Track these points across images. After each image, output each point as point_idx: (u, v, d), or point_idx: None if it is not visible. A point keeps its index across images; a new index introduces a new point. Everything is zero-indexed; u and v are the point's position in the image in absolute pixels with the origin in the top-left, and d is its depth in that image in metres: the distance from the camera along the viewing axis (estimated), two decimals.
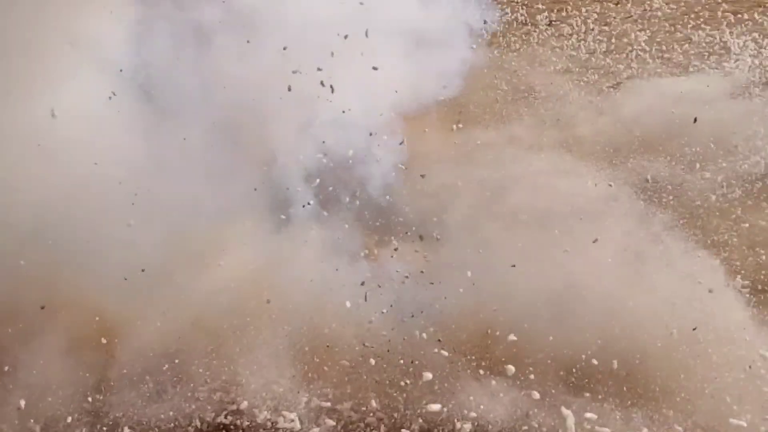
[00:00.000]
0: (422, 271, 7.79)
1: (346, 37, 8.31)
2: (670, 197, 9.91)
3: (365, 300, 7.39)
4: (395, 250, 8.12)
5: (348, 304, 7.35)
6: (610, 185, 9.54)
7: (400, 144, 9.33)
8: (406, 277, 7.69)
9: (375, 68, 8.37)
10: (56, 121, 7.42)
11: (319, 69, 7.94)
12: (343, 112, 8.30)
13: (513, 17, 15.81)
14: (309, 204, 8.43)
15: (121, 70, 8.11)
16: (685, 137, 10.84)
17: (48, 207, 7.42)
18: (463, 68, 10.86)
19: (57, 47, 7.77)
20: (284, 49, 8.08)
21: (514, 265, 7.50)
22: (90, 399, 7.05)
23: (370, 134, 8.83)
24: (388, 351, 7.22)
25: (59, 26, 7.84)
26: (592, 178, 9.79)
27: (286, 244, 8.16)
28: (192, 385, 7.19)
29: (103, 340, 7.36)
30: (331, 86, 7.95)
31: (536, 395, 6.84)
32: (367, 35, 8.43)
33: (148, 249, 7.51)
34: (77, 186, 7.48)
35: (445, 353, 7.17)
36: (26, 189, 7.45)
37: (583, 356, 7.09)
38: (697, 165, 10.52)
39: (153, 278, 7.42)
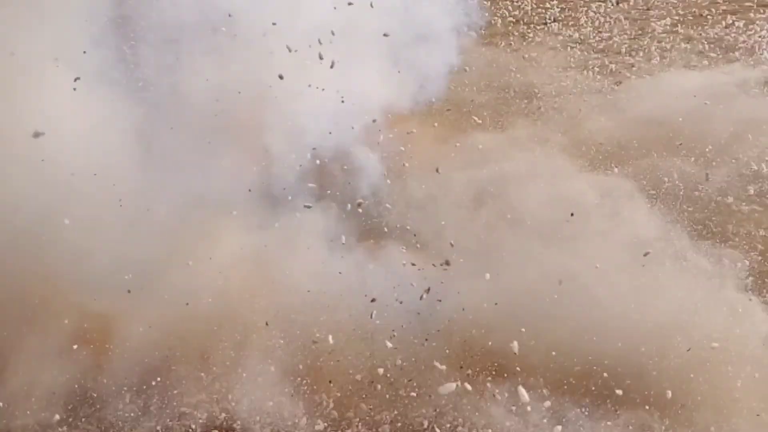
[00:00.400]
0: (442, 282, 7.26)
1: (350, 3, 8.02)
2: (685, 194, 9.48)
3: (371, 317, 6.95)
4: (413, 264, 7.58)
5: (331, 339, 6.90)
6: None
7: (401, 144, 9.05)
8: (426, 291, 7.15)
9: (386, 35, 8.19)
10: (47, 124, 7.17)
11: (319, 42, 7.54)
12: (342, 101, 7.98)
13: (515, 14, 15.44)
14: (308, 207, 7.98)
15: (84, 52, 7.72)
16: (702, 133, 10.39)
17: (34, 209, 7.17)
18: (460, 67, 10.72)
19: (42, 53, 7.56)
20: (273, 24, 7.70)
21: (560, 282, 7.03)
22: (68, 414, 6.71)
23: (374, 121, 8.56)
24: (411, 381, 6.74)
25: (41, 35, 7.67)
26: (601, 175, 9.51)
27: (284, 250, 7.70)
28: (175, 404, 6.76)
29: (75, 347, 6.99)
30: (333, 62, 7.59)
31: (558, 429, 6.42)
32: (372, 5, 8.21)
33: (136, 251, 7.23)
34: (65, 188, 7.24)
35: (469, 387, 6.67)
36: (12, 190, 7.23)
37: (605, 374, 6.69)
38: (716, 161, 10.04)
39: (141, 282, 7.12)
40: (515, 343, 6.64)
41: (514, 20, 15.20)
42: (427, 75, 9.91)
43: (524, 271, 7.33)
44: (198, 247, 7.45)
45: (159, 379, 6.84)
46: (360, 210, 8.26)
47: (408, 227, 8.41)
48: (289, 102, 8.13)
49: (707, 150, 10.12)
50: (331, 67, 7.55)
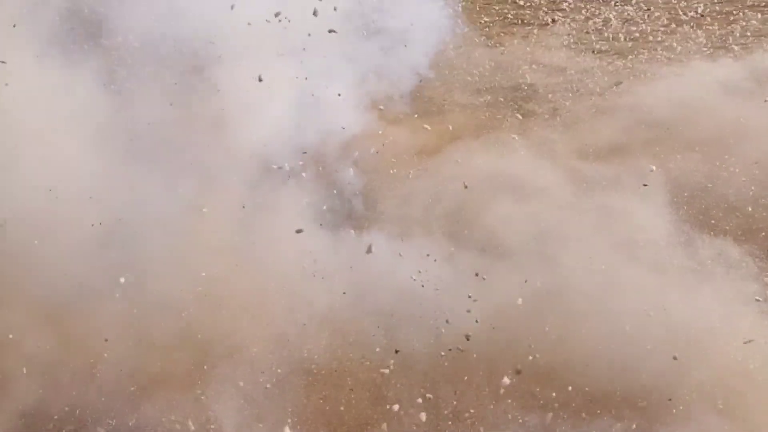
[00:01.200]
0: (470, 296, 6.80)
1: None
2: (695, 196, 9.18)
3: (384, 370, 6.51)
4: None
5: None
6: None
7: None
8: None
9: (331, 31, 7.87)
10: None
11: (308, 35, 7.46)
12: (339, 95, 7.84)
13: (512, 14, 15.25)
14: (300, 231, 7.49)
15: (14, 25, 7.42)
16: (711, 133, 10.13)
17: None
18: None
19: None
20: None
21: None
22: None
23: (381, 108, 8.50)
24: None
25: None
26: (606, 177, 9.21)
27: (282, 275, 7.21)
28: None
29: (24, 370, 6.61)
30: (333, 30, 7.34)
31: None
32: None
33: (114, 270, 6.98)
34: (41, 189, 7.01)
35: None
36: None
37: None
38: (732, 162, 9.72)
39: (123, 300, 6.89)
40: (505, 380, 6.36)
41: (513, 21, 14.97)
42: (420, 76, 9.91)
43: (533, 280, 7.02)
44: (181, 267, 7.09)
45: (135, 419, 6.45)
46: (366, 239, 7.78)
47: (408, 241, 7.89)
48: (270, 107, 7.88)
49: (718, 150, 9.79)
50: (314, 14, 7.28)
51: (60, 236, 6.90)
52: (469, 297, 6.82)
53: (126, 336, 6.71)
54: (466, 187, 8.31)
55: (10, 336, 6.62)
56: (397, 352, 6.51)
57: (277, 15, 7.23)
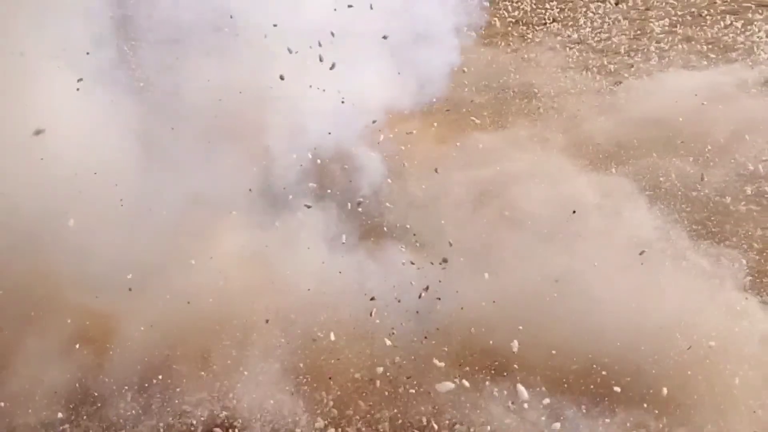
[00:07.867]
0: (440, 281, 7.24)
1: (350, 5, 7.98)
2: (684, 194, 9.41)
3: (371, 315, 6.95)
4: (412, 263, 7.52)
5: (332, 336, 6.88)
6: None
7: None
8: (425, 289, 7.15)
9: (385, 37, 8.28)
10: (49, 123, 7.11)
11: (319, 44, 7.60)
12: (342, 102, 7.98)
13: (514, 14, 15.39)
14: (309, 206, 7.96)
15: (87, 53, 7.65)
16: (700, 133, 10.31)
17: (36, 208, 7.14)
18: (460, 67, 10.64)
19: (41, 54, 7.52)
20: (274, 26, 7.70)
21: (557, 280, 7.07)
22: (70, 413, 6.67)
23: (373, 122, 8.60)
24: (410, 379, 6.69)
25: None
26: (600, 175, 9.46)
27: (284, 250, 7.64)
28: (176, 402, 6.74)
29: (77, 346, 6.94)
30: (333, 63, 7.60)
31: (557, 426, 6.41)
32: (371, 7, 8.19)
33: (138, 251, 7.20)
34: (67, 187, 7.18)
35: (467, 384, 6.65)
36: (14, 190, 7.16)
37: (604, 372, 6.70)
38: (714, 161, 10.00)
39: (142, 281, 7.09)
40: (515, 342, 6.60)
41: (514, 20, 15.13)
42: (428, 75, 9.86)
43: (524, 270, 7.33)
44: (198, 246, 7.39)
45: (160, 377, 6.82)
46: (360, 209, 8.27)
47: (408, 226, 8.35)
48: (290, 102, 8.09)
49: (706, 150, 10.05)
50: (331, 68, 7.53)
51: (87, 217, 7.08)
52: (443, 261, 7.21)
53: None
54: (436, 171, 8.76)
55: (68, 320, 6.90)
56: (372, 299, 6.97)
57: (289, 50, 7.59)
